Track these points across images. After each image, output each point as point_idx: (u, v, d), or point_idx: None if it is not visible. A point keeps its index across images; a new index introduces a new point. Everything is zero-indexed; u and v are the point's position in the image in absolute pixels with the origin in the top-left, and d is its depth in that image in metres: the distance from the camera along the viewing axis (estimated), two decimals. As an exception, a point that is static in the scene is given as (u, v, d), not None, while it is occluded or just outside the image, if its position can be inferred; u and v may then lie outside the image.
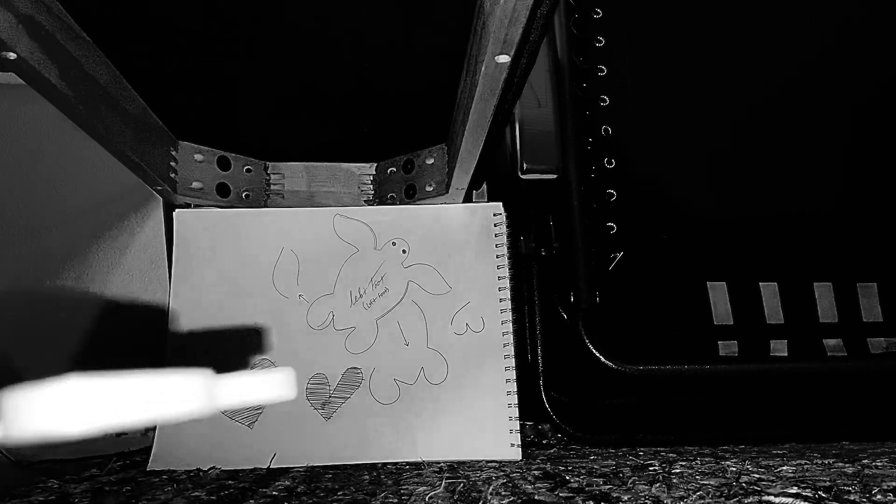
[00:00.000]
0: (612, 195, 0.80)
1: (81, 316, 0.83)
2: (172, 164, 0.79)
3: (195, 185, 0.81)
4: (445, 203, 0.83)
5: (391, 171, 0.88)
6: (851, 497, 0.48)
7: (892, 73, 0.85)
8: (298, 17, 0.63)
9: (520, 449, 0.74)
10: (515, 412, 0.75)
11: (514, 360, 0.77)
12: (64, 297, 0.83)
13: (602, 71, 0.83)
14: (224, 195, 0.83)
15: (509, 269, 0.79)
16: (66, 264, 0.84)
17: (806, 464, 0.62)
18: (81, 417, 0.22)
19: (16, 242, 0.83)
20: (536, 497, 0.51)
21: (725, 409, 0.77)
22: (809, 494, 0.49)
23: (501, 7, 0.46)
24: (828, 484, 0.53)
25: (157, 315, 0.81)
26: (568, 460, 0.71)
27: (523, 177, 0.85)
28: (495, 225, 0.81)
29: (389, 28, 0.64)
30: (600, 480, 0.57)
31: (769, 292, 0.75)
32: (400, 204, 0.85)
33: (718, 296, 0.76)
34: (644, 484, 0.55)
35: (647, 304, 0.77)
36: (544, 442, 0.85)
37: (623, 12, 0.84)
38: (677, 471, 0.61)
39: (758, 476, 0.57)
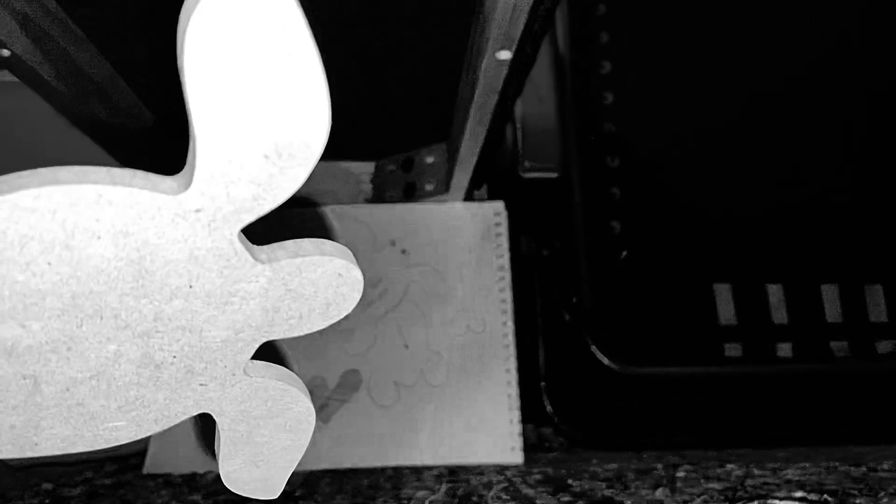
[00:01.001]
0: (615, 194, 0.79)
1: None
2: (169, 162, 0.78)
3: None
4: (446, 202, 0.82)
5: (390, 170, 0.87)
6: (857, 501, 0.48)
7: (897, 70, 0.85)
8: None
9: (521, 452, 0.73)
10: (517, 415, 0.74)
11: (515, 361, 0.76)
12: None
13: (605, 68, 0.82)
14: (221, 194, 0.82)
15: (510, 269, 0.79)
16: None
17: (811, 467, 0.61)
18: None
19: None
20: (538, 501, 0.51)
21: (730, 412, 0.76)
22: (815, 498, 0.49)
23: (502, 2, 0.45)
24: (833, 487, 0.52)
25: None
26: (570, 464, 0.70)
27: (524, 175, 0.84)
28: (496, 224, 0.80)
29: (388, 24, 0.64)
30: (603, 484, 0.57)
31: (775, 294, 0.75)
32: (399, 203, 0.84)
33: (724, 297, 0.75)
34: (648, 488, 0.55)
35: (651, 305, 0.76)
36: (546, 445, 0.84)
37: (626, 8, 0.84)
38: (681, 474, 0.60)
39: (763, 480, 0.56)
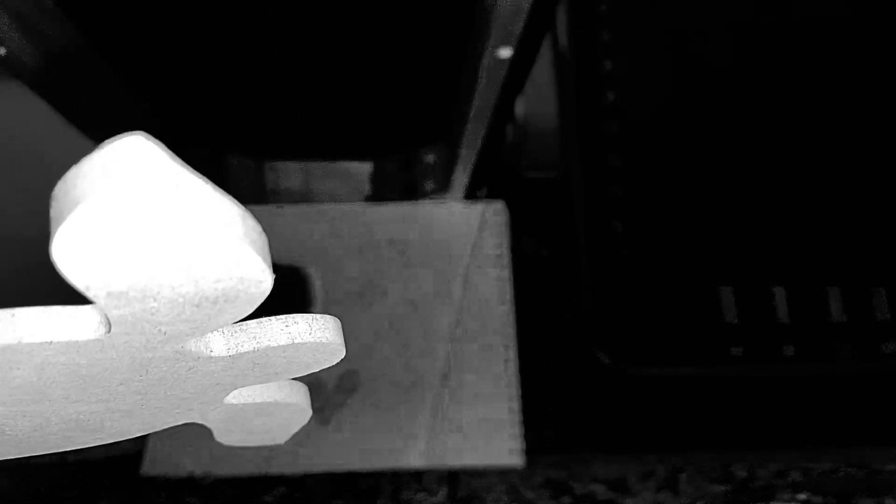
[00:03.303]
0: (617, 194, 0.78)
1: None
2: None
3: (190, 183, 0.80)
4: (445, 202, 0.82)
5: (390, 170, 0.87)
6: (862, 503, 0.47)
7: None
8: (295, 13, 0.62)
9: (522, 454, 0.72)
10: (517, 416, 0.74)
11: (515, 363, 0.75)
12: (62, 298, 0.82)
13: (606, 66, 0.81)
14: (220, 194, 0.82)
15: (510, 269, 0.78)
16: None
17: (816, 469, 0.61)
18: None
19: (10, 242, 0.82)
20: (539, 505, 0.50)
21: (733, 413, 0.76)
22: (819, 500, 0.48)
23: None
24: (838, 490, 0.52)
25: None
26: (571, 466, 0.70)
27: (525, 175, 0.84)
28: (496, 224, 0.80)
29: (388, 22, 0.63)
30: (604, 486, 0.56)
31: (780, 296, 0.74)
32: (399, 203, 0.84)
33: (728, 298, 0.74)
34: (650, 490, 0.54)
35: (654, 305, 0.75)
36: (547, 447, 0.83)
37: (628, 6, 0.83)
38: (684, 477, 0.60)
39: (766, 482, 0.56)
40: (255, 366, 0.21)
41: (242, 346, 0.19)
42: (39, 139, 0.85)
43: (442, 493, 0.54)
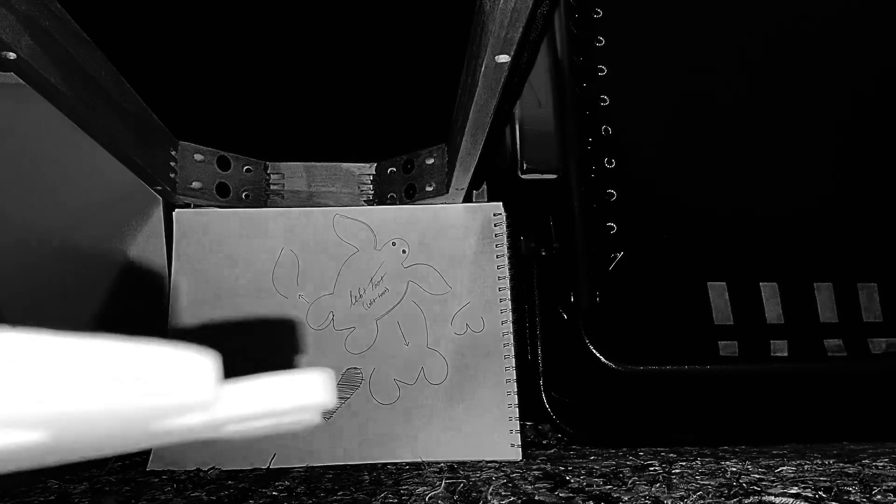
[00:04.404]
0: (613, 195, 0.79)
1: (80, 316, 0.83)
2: (172, 163, 0.79)
3: (195, 184, 0.81)
4: (445, 203, 0.83)
5: (391, 171, 0.88)
6: (852, 497, 0.48)
7: (890, 70, 0.85)
8: (298, 17, 0.63)
9: (520, 449, 0.73)
10: (515, 412, 0.75)
11: (514, 360, 0.77)
12: (63, 298, 0.83)
13: (602, 71, 0.83)
14: (224, 195, 0.83)
15: (509, 269, 0.79)
16: (64, 265, 0.83)
17: (806, 464, 0.62)
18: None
19: (14, 242, 0.83)
20: (536, 497, 0.51)
21: (726, 410, 0.77)
22: (810, 495, 0.49)
23: (501, 7, 0.46)
24: (828, 484, 0.53)
25: (156, 316, 0.81)
26: (568, 460, 0.71)
27: (523, 177, 0.85)
28: (495, 225, 0.81)
29: (390, 27, 0.64)
30: (600, 480, 0.57)
31: (769, 292, 0.75)
32: (400, 204, 0.85)
33: (718, 296, 0.75)
34: (644, 484, 0.55)
35: (648, 304, 0.77)
36: (544, 442, 0.84)
37: (623, 12, 0.84)
38: (677, 471, 0.61)
39: (758, 476, 0.57)
40: (238, 422, 0.19)
41: (219, 412, 0.18)
42: (46, 142, 0.86)
43: (442, 487, 0.55)
